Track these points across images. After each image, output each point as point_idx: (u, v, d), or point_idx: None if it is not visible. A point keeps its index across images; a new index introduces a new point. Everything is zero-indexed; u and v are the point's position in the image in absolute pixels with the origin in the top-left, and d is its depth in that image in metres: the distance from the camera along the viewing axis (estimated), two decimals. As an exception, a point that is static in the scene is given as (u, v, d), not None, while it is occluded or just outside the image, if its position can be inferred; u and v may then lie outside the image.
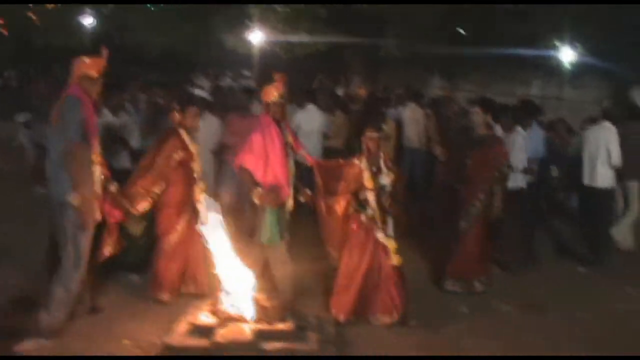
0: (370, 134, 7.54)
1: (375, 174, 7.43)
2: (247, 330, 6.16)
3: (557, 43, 24.58)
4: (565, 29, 23.04)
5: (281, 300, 6.93)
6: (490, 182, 8.48)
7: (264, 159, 7.37)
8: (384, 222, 7.41)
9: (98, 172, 6.78)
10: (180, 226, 7.64)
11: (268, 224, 7.36)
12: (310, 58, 24.32)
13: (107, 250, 7.04)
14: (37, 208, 9.48)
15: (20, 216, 10.58)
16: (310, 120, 11.83)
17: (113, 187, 7.00)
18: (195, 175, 7.78)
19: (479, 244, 8.57)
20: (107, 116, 8.66)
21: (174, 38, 23.10)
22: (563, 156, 11.98)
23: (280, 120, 7.63)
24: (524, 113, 10.39)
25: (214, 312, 6.52)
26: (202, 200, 7.61)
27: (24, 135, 14.41)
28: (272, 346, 6.00)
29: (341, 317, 7.27)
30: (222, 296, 6.67)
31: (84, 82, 6.76)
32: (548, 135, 11.33)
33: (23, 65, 26.37)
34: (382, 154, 7.55)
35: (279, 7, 22.55)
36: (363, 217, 7.43)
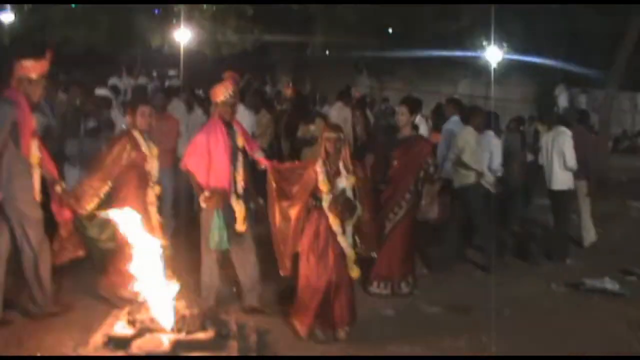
0: (328, 134, 7.12)
1: (333, 177, 7.03)
2: (165, 340, 5.92)
3: (485, 42, 24.90)
4: (492, 27, 23.34)
5: (204, 308, 6.71)
6: (415, 182, 8.43)
7: (207, 161, 7.28)
8: (343, 229, 7.07)
9: (37, 173, 6.90)
10: None
11: (216, 229, 7.25)
12: (237, 57, 24.11)
13: (66, 254, 7.17)
14: None
15: None
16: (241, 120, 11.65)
17: (59, 187, 7.10)
18: (149, 177, 7.66)
19: (405, 244, 8.51)
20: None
21: (98, 35, 22.64)
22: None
23: (230, 120, 7.50)
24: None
25: (131, 322, 6.27)
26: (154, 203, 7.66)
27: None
28: (191, 355, 5.79)
29: (303, 332, 7.02)
30: (140, 305, 6.44)
31: (23, 84, 6.83)
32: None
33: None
34: (342, 155, 7.08)
35: (205, 5, 22.28)
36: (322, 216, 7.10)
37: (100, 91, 10.26)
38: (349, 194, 7.04)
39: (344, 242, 7.04)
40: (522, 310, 8.28)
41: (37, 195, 6.98)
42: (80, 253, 7.42)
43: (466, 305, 8.34)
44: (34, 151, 6.93)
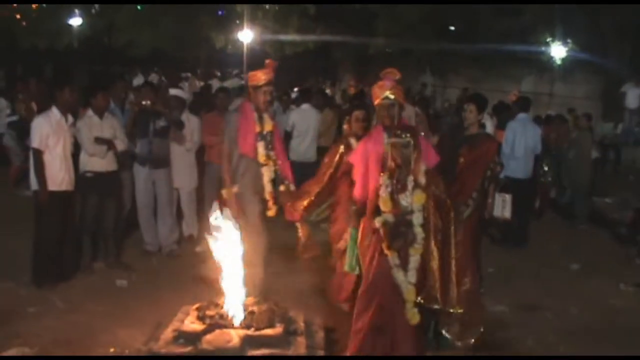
0: (395, 140, 5.96)
1: (398, 194, 5.94)
2: (234, 336, 6.01)
3: (549, 38, 24.58)
4: (555, 23, 23.03)
5: (269, 305, 6.77)
6: (482, 181, 8.37)
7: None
8: (404, 260, 5.87)
9: (267, 171, 7.53)
10: None
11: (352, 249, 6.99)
12: (299, 56, 24.25)
13: (309, 252, 7.56)
14: (22, 210, 9.40)
15: (6, 218, 10.44)
16: (305, 119, 11.74)
17: (283, 186, 7.60)
18: None
19: (471, 242, 8.44)
20: (93, 118, 8.50)
21: (163, 38, 22.98)
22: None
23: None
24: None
25: (201, 318, 6.38)
26: None
27: (11, 136, 14.26)
28: (258, 352, 5.86)
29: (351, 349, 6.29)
30: (211, 301, 6.55)
31: (250, 92, 7.61)
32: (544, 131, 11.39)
33: (10, 66, 26.18)
34: (412, 166, 5.98)
35: (267, 5, 22.47)
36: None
37: (174, 91, 10.38)
38: (417, 217, 5.93)
39: (400, 277, 5.84)
40: (590, 310, 8.17)
41: (266, 191, 7.52)
42: (318, 252, 7.64)
43: (532, 303, 8.28)
44: (261, 151, 7.46)
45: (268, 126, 7.56)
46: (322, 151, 11.37)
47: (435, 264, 6.02)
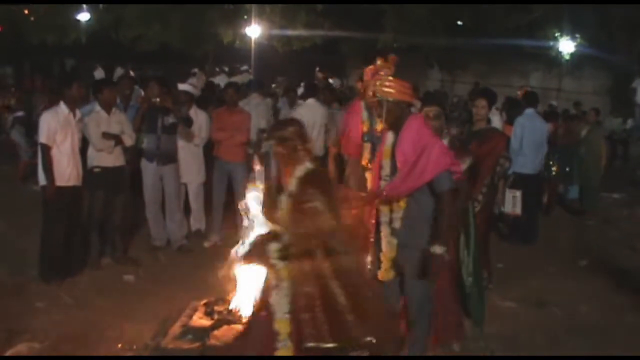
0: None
1: None
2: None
3: (557, 33, 24.50)
4: (564, 18, 22.95)
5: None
6: (492, 176, 8.34)
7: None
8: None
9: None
10: None
11: None
12: (307, 51, 24.23)
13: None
14: (30, 206, 9.41)
15: (14, 214, 10.45)
16: (312, 114, 11.68)
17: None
18: None
19: (481, 238, 8.41)
20: (100, 113, 8.50)
21: (170, 33, 22.98)
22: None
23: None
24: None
25: (209, 313, 6.38)
26: None
27: (18, 132, 14.29)
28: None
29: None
30: (219, 297, 6.55)
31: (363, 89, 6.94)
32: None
33: (18, 62, 26.25)
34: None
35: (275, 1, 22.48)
36: None
37: (183, 86, 10.35)
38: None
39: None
40: (598, 307, 8.13)
41: None
42: None
43: (541, 300, 8.25)
44: (366, 154, 6.86)
45: (379, 126, 6.64)
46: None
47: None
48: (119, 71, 21.36)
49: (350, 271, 4.91)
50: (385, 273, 5.70)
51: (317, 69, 22.81)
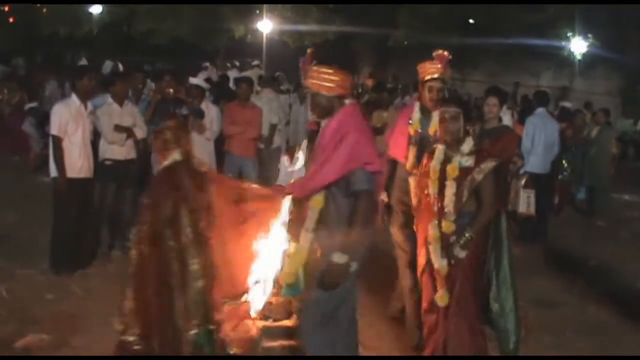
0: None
1: None
2: (251, 326, 6.01)
3: (569, 33, 24.41)
4: (576, 18, 22.87)
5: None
6: (505, 175, 8.32)
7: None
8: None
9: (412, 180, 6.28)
10: None
11: None
12: (318, 47, 24.22)
13: None
14: (41, 197, 9.43)
15: (25, 205, 10.48)
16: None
17: None
18: None
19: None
20: (113, 105, 8.51)
21: (182, 27, 23.00)
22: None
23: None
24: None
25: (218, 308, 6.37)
26: None
27: (30, 123, 14.33)
28: (276, 343, 5.86)
29: None
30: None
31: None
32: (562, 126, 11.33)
33: (31, 54, 26.31)
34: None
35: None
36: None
37: (194, 80, 10.36)
38: None
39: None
40: (607, 307, 8.11)
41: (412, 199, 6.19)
42: None
43: (550, 300, 8.23)
44: (411, 158, 6.47)
45: (433, 128, 6.32)
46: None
47: None
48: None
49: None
50: (284, 276, 5.40)
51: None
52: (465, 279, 5.56)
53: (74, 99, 7.98)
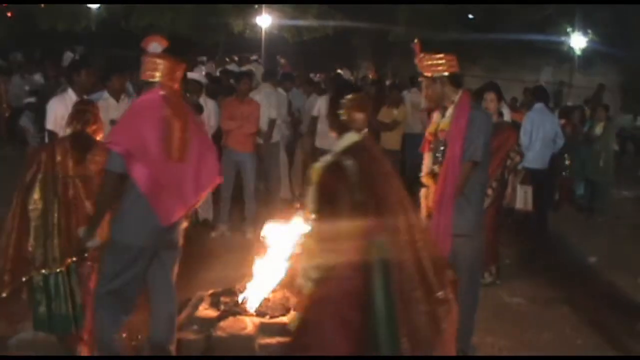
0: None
1: None
2: (248, 323, 5.98)
3: (568, 28, 24.37)
4: (576, 14, 22.84)
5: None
6: (502, 170, 8.29)
7: None
8: None
9: None
10: None
11: None
12: (318, 42, 24.18)
13: None
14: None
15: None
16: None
17: None
18: None
19: (489, 234, 8.35)
20: (109, 100, 8.45)
21: (181, 21, 22.93)
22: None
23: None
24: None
25: (215, 304, 6.34)
26: None
27: (28, 118, 14.30)
28: (273, 340, 5.82)
29: None
30: (226, 288, 6.52)
31: None
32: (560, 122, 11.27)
33: (28, 49, 26.27)
34: None
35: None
36: None
37: (193, 74, 10.31)
38: None
39: None
40: (606, 304, 8.06)
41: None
42: None
43: (549, 297, 8.19)
44: (426, 162, 6.18)
45: (444, 124, 5.94)
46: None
47: None
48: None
49: None
50: None
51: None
52: None
53: (70, 93, 7.91)
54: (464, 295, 5.35)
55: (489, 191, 8.13)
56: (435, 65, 5.95)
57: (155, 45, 5.75)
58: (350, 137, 4.79)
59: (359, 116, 4.86)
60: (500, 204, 8.35)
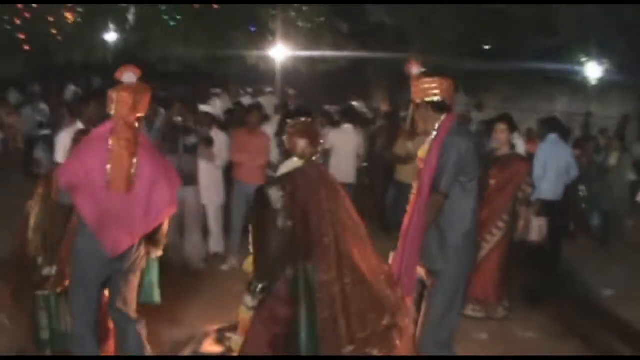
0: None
1: None
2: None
3: (583, 58, 24.28)
4: (591, 43, 22.77)
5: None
6: (513, 203, 8.21)
7: None
8: None
9: None
10: None
11: None
12: (332, 74, 24.21)
13: None
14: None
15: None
16: (346, 139, 11.55)
17: None
18: None
19: (501, 267, 8.28)
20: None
21: (196, 54, 23.06)
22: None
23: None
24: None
25: (220, 340, 6.30)
26: None
27: (42, 149, 14.35)
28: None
29: None
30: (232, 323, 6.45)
31: None
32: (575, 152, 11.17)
33: (46, 80, 26.48)
34: None
35: (300, 23, 22.46)
36: None
37: (205, 107, 10.35)
38: None
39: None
40: (622, 338, 7.92)
41: None
42: None
43: (563, 331, 8.07)
44: None
45: (422, 152, 5.82)
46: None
47: None
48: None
49: None
50: None
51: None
52: None
53: (79, 125, 7.92)
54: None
55: (500, 224, 8.10)
56: (427, 89, 5.74)
57: (130, 74, 5.71)
58: (292, 164, 4.84)
59: (301, 142, 4.90)
60: (512, 237, 8.27)
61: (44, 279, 5.96)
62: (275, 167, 10.40)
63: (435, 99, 5.67)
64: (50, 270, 5.88)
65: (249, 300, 4.92)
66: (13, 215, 6.73)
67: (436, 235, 5.54)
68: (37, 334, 6.10)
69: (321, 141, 5.27)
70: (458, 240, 5.54)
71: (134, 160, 5.24)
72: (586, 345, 7.65)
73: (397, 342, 4.89)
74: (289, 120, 5.08)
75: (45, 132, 15.21)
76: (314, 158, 5.05)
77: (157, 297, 6.38)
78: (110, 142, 5.23)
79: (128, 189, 5.21)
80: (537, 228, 9.07)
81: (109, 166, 5.16)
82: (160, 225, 5.56)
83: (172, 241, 9.31)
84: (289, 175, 4.89)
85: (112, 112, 5.38)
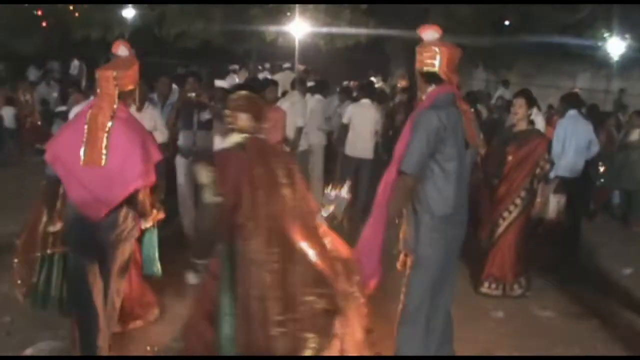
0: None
1: None
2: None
3: (606, 33, 23.96)
4: (613, 18, 22.47)
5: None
6: (531, 179, 8.08)
7: None
8: None
9: None
10: None
11: None
12: (351, 50, 24.06)
13: None
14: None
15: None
16: (364, 114, 11.40)
17: None
18: None
19: (519, 244, 8.17)
20: (132, 108, 8.37)
21: (214, 30, 22.98)
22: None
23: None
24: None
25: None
26: None
27: (58, 126, 14.35)
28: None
29: None
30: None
31: None
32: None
33: (65, 57, 26.47)
34: None
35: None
36: None
37: (221, 82, 10.24)
38: None
39: None
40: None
41: None
42: None
43: (581, 310, 7.95)
44: None
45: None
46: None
47: None
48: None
49: None
50: None
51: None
52: None
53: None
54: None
55: (518, 201, 7.98)
56: (423, 59, 5.49)
57: (122, 48, 6.04)
58: (232, 139, 4.79)
59: (242, 116, 4.84)
60: (529, 214, 8.15)
61: (48, 236, 6.30)
62: (290, 143, 10.38)
63: (426, 69, 5.43)
64: (54, 227, 6.25)
65: (190, 277, 4.92)
66: (33, 191, 6.90)
67: (412, 218, 5.31)
68: (35, 292, 6.40)
69: (266, 117, 5.19)
70: (434, 222, 5.25)
71: (106, 135, 5.33)
72: (605, 325, 7.52)
73: (338, 330, 4.70)
74: (230, 95, 5.03)
75: (62, 108, 15.21)
76: (259, 135, 4.99)
77: (157, 269, 6.53)
78: (87, 118, 5.39)
79: (101, 163, 5.30)
80: (554, 205, 8.94)
81: (83, 140, 5.31)
82: (136, 196, 5.52)
83: (190, 213, 9.35)
84: (223, 150, 4.88)
85: (98, 90, 5.56)
